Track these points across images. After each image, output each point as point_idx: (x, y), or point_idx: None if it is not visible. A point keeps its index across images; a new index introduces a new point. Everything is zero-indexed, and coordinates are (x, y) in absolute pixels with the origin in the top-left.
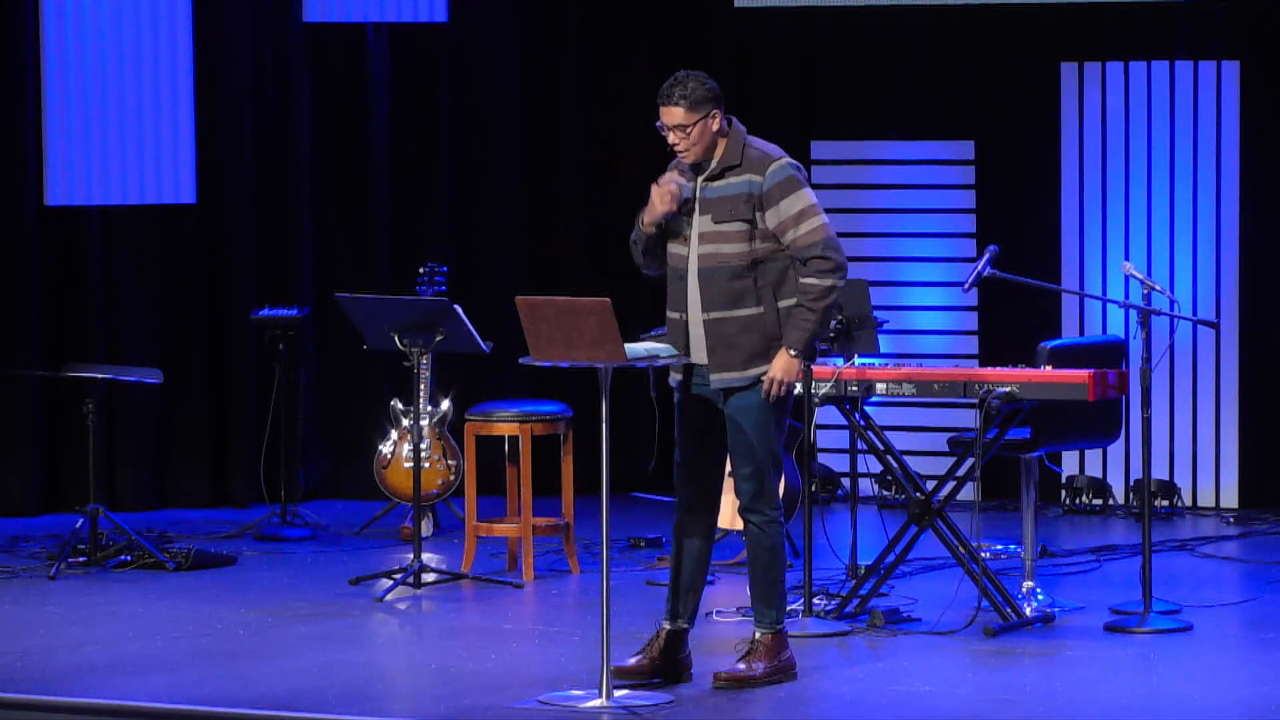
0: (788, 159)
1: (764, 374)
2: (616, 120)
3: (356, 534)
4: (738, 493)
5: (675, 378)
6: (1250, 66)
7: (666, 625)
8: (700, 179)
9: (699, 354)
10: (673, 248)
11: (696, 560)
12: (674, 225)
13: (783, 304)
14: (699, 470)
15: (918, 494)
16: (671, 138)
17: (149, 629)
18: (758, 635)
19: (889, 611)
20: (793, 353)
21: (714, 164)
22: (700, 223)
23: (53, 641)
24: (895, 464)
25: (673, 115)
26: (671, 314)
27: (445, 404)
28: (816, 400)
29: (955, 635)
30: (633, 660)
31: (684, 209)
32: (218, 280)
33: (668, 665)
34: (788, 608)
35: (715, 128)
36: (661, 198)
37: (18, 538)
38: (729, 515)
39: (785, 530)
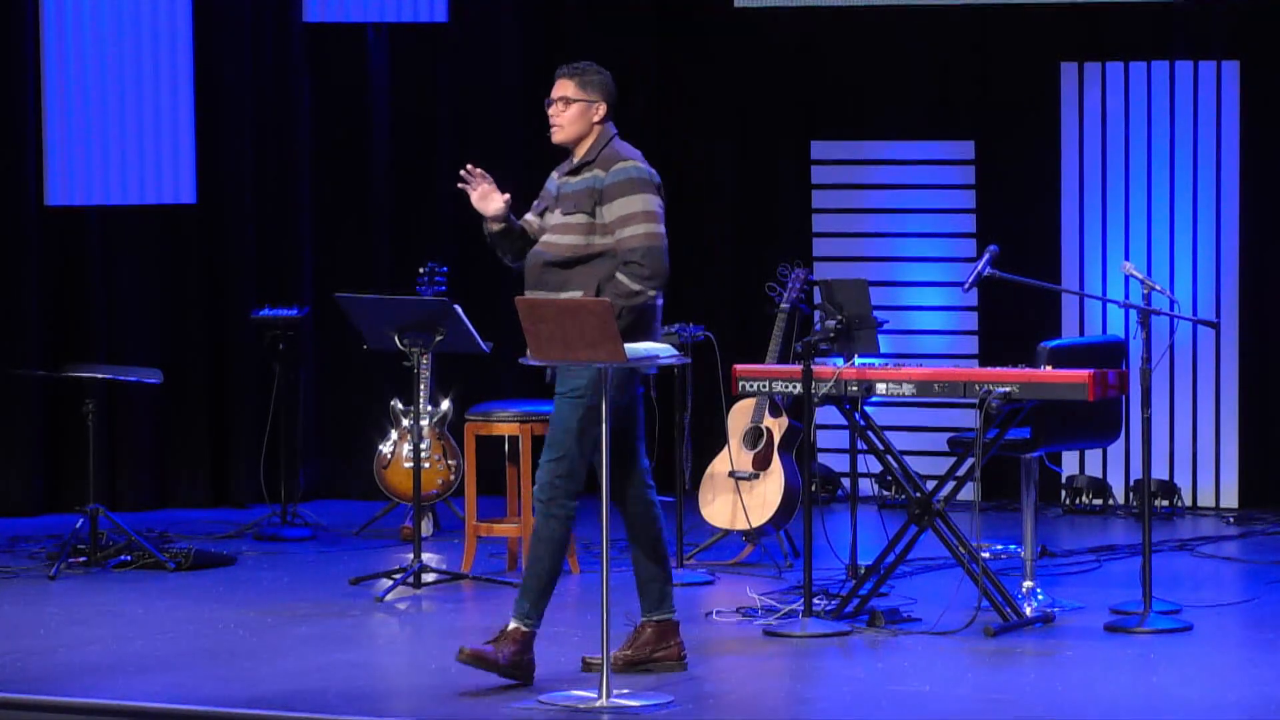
0: (641, 164)
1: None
2: (616, 120)
3: (356, 534)
4: (535, 479)
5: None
6: (1250, 66)
7: (525, 627)
8: (564, 174)
9: None
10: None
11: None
12: (543, 220)
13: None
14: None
15: (918, 494)
16: (551, 110)
17: (149, 629)
18: (510, 625)
19: (889, 611)
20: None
21: (577, 160)
22: (554, 215)
23: (53, 641)
24: (895, 464)
25: (562, 87)
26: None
27: (445, 404)
28: (816, 400)
29: (955, 635)
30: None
31: (549, 204)
32: (218, 280)
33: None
34: (786, 608)
35: (595, 118)
36: (482, 199)
37: (18, 538)
38: (729, 515)
39: (785, 530)
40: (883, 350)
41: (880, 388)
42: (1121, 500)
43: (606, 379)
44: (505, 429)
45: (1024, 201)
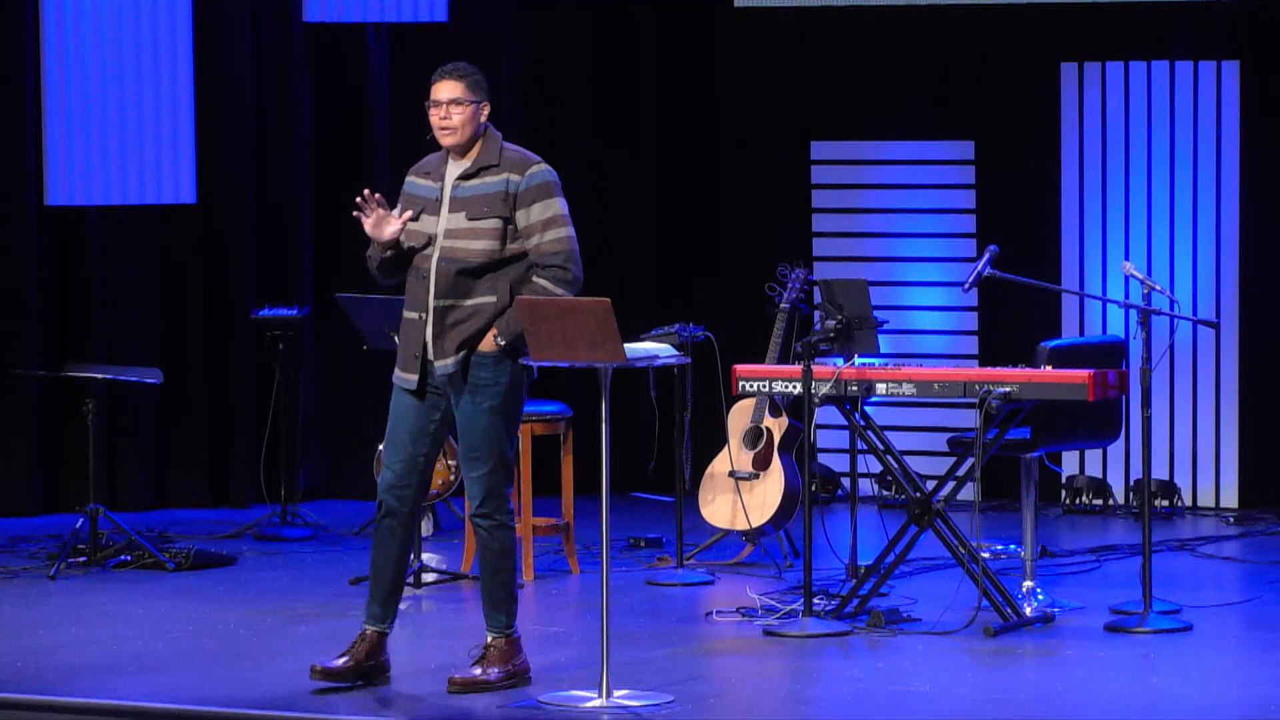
0: (547, 165)
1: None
2: (617, 120)
3: (356, 534)
4: (469, 495)
5: (404, 378)
6: (1250, 66)
7: (372, 628)
8: (454, 178)
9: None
10: (417, 247)
11: (400, 563)
12: (416, 226)
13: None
14: (409, 472)
15: (918, 494)
16: (440, 112)
17: (149, 629)
18: (490, 640)
19: (889, 611)
20: (500, 341)
21: (470, 163)
22: (450, 220)
23: (53, 641)
24: (895, 464)
25: (450, 89)
26: (409, 313)
27: None
28: (816, 400)
29: (955, 635)
30: (339, 662)
31: (427, 209)
32: (218, 280)
33: (373, 668)
34: (786, 608)
35: (483, 118)
36: (375, 226)
37: (18, 538)
38: (729, 515)
39: (785, 530)
40: (883, 350)
41: (880, 388)
42: (1121, 500)
43: (606, 379)
44: None
45: (1024, 201)
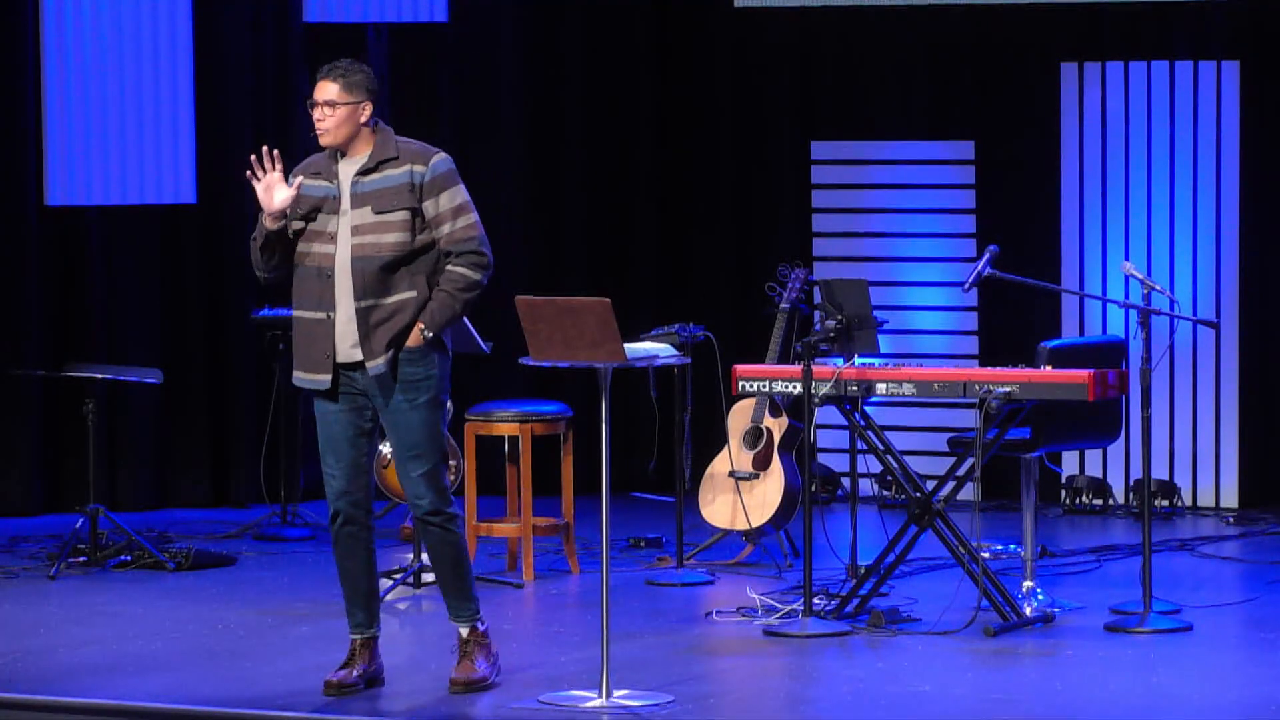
0: (445, 154)
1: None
2: (617, 120)
3: None
4: (410, 498)
5: (311, 379)
6: (1250, 66)
7: (363, 636)
8: (353, 174)
9: (347, 350)
10: (316, 247)
11: (371, 565)
12: (314, 225)
13: (436, 292)
14: (356, 475)
15: (918, 494)
16: (316, 113)
17: (149, 629)
18: (465, 633)
19: (889, 611)
20: (428, 333)
21: (367, 159)
22: (355, 215)
23: (53, 641)
24: (895, 464)
25: (325, 90)
26: (309, 314)
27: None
28: (816, 400)
29: (955, 635)
30: (345, 674)
31: (324, 208)
32: (218, 280)
33: (376, 672)
34: (786, 608)
35: (363, 119)
36: (266, 191)
37: (18, 538)
38: (729, 515)
39: (785, 530)
40: (883, 350)
41: (880, 388)
42: (1121, 500)
43: (606, 379)
44: (505, 429)
45: (1024, 201)
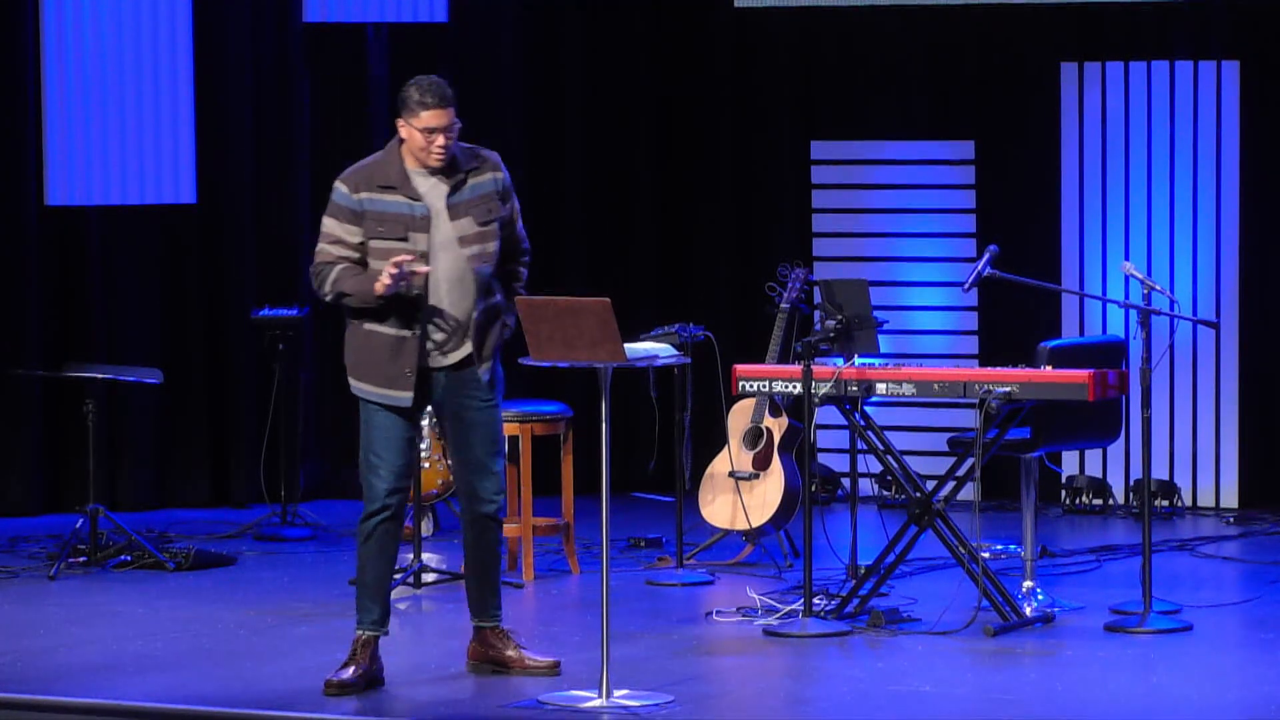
0: None
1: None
2: (616, 120)
3: (356, 534)
4: (488, 494)
5: (390, 395)
6: (1250, 66)
7: (375, 633)
8: (444, 187)
9: (438, 358)
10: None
11: (394, 563)
12: (393, 244)
13: (508, 292)
14: (408, 475)
15: (918, 494)
16: (440, 141)
17: (149, 629)
18: (506, 629)
19: (889, 611)
20: (508, 334)
21: (453, 170)
22: (458, 227)
23: (53, 641)
24: (895, 464)
25: (447, 117)
26: (392, 330)
27: None
28: (816, 400)
29: (955, 635)
30: (349, 674)
31: (410, 225)
32: (218, 280)
33: (378, 671)
34: (786, 608)
35: None
36: (393, 274)
37: (18, 538)
38: (729, 515)
39: (785, 530)
40: (883, 350)
41: (880, 388)
42: (1121, 500)
43: (606, 379)
44: (505, 429)
45: (1024, 201)
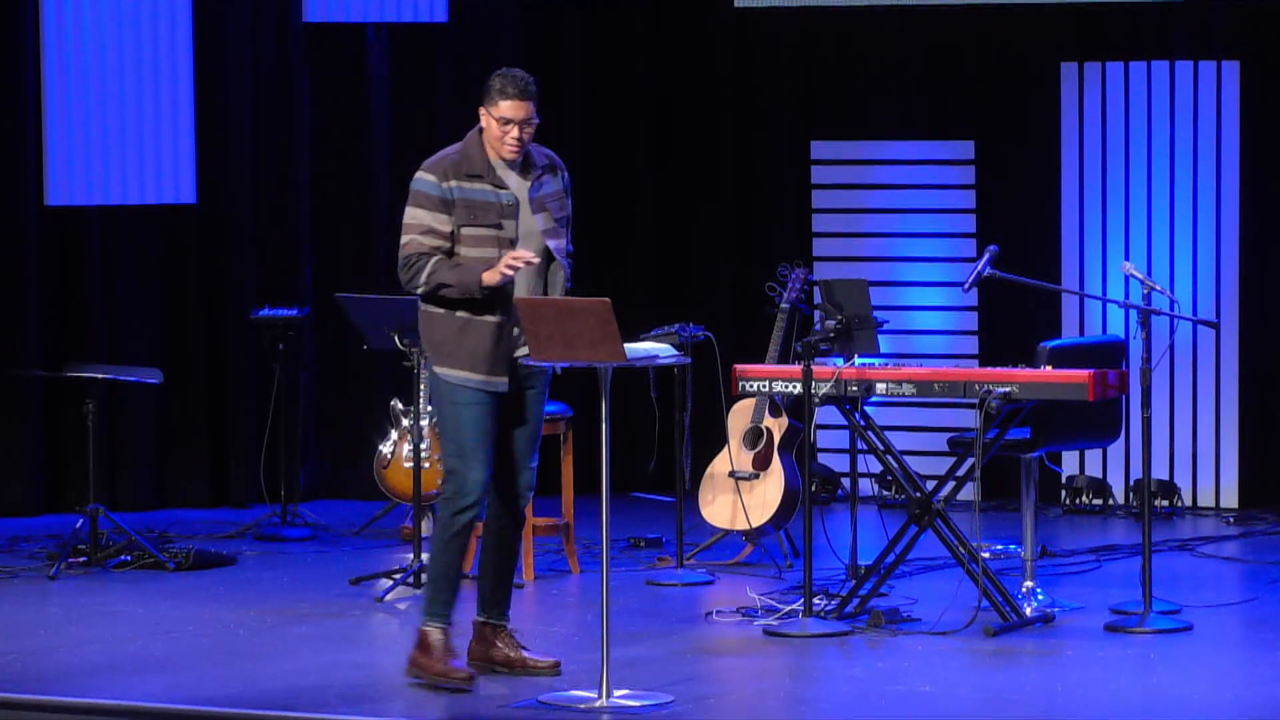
0: None
1: None
2: (616, 120)
3: (356, 534)
4: (523, 489)
5: (490, 381)
6: (1250, 66)
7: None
8: (525, 180)
9: (522, 348)
10: (494, 251)
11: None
12: (484, 231)
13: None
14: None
15: (918, 494)
16: (515, 132)
17: (149, 629)
18: (510, 628)
19: (889, 611)
20: None
21: (529, 165)
22: (539, 220)
23: (53, 641)
24: (895, 464)
25: (526, 109)
26: (490, 318)
27: None
28: (816, 400)
29: (955, 635)
30: (466, 660)
31: (500, 214)
32: (218, 280)
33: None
34: (786, 608)
35: None
36: (511, 265)
37: (18, 538)
38: (729, 515)
39: (785, 530)
40: (883, 350)
41: (880, 388)
42: (1121, 500)
43: (606, 379)
44: None
45: (1024, 201)
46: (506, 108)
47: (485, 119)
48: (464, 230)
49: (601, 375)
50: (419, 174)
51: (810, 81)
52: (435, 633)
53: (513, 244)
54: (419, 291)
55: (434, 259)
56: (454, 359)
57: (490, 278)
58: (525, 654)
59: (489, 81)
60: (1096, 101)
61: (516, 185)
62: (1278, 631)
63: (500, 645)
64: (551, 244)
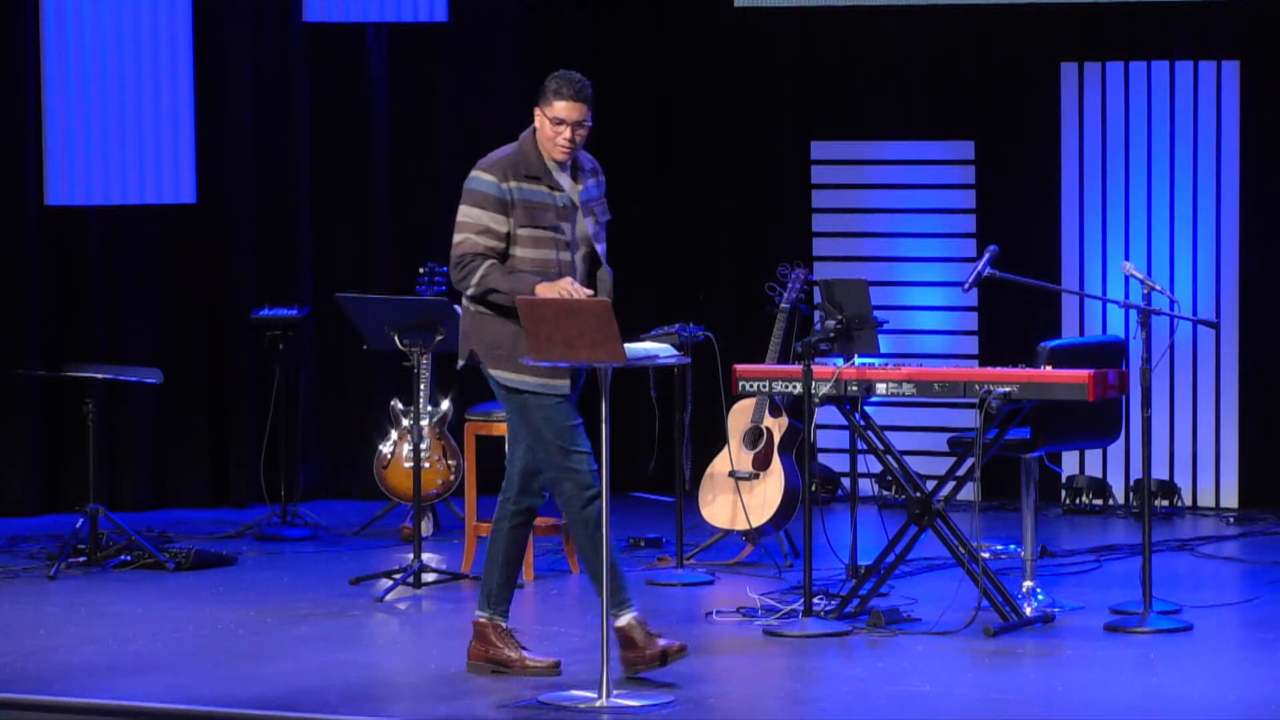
0: None
1: None
2: (616, 120)
3: (356, 534)
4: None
5: (562, 385)
6: (1250, 66)
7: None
8: (574, 183)
9: None
10: (552, 254)
11: None
12: (543, 232)
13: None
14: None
15: (918, 494)
16: (568, 134)
17: (149, 629)
18: (509, 627)
19: (889, 611)
20: None
21: (576, 168)
22: (590, 223)
23: (53, 641)
24: (895, 464)
25: (580, 111)
26: None
27: (445, 404)
28: (816, 400)
29: (955, 635)
30: (664, 642)
31: (558, 215)
32: (218, 280)
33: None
34: (786, 608)
35: None
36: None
37: (18, 538)
38: (729, 515)
39: (785, 530)
40: (883, 350)
41: (880, 388)
42: (1121, 500)
43: (606, 379)
44: (505, 429)
45: (1024, 201)
46: (561, 108)
47: (539, 118)
48: (521, 231)
49: (601, 375)
50: (476, 173)
51: (810, 81)
52: (631, 620)
53: (569, 246)
54: (469, 293)
55: (488, 262)
56: (512, 363)
57: (545, 290)
58: (525, 654)
59: (545, 81)
60: (1096, 101)
61: (569, 187)
62: (1278, 631)
63: (499, 644)
64: (601, 248)
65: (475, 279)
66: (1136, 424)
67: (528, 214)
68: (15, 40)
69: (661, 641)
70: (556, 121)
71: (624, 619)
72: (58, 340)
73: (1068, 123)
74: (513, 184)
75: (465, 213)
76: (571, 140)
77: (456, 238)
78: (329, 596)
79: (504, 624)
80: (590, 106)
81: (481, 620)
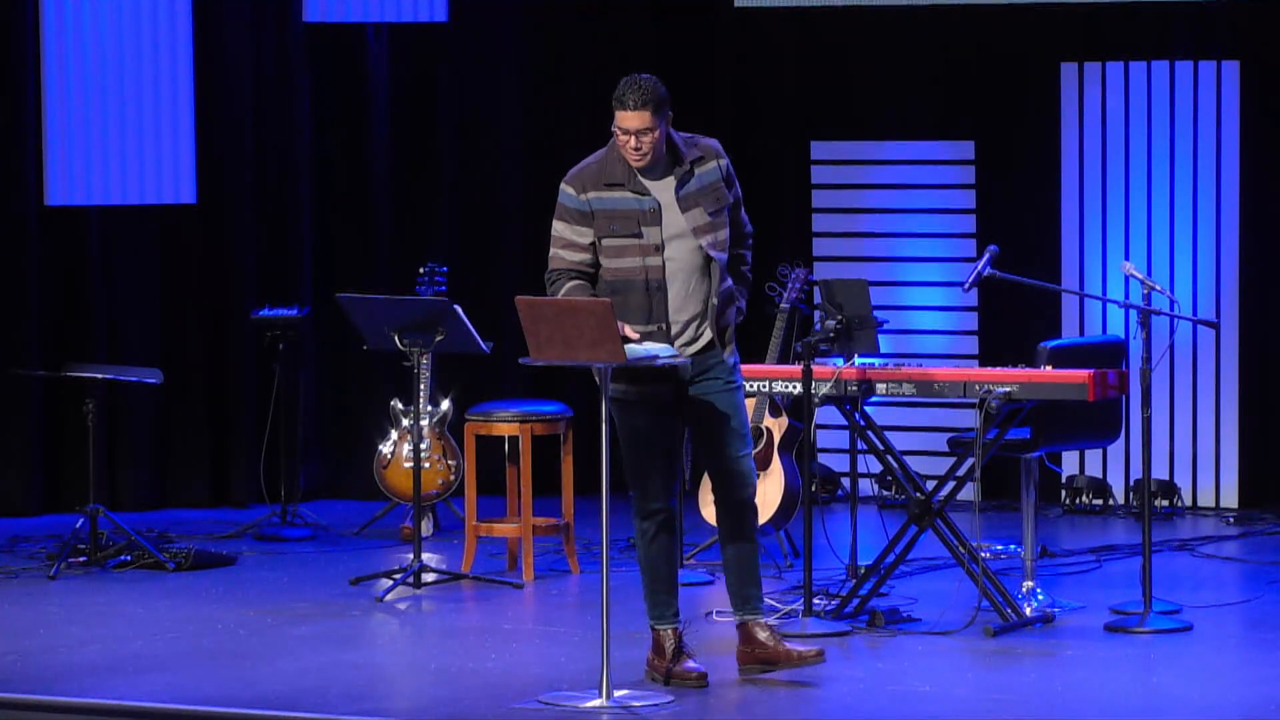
0: None
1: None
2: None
3: (356, 534)
4: (744, 479)
5: (663, 389)
6: (1250, 66)
7: (677, 624)
8: (672, 180)
9: (698, 344)
10: (639, 260)
11: None
12: (626, 240)
13: (737, 276)
14: (677, 473)
15: (918, 494)
16: (633, 142)
17: (149, 629)
18: (769, 622)
19: (889, 611)
20: (740, 318)
21: (678, 162)
22: (690, 218)
23: (53, 641)
24: (895, 464)
25: (640, 119)
26: (641, 328)
27: (445, 404)
28: (816, 400)
29: (955, 635)
30: (695, 661)
31: (641, 220)
32: (218, 280)
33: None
34: (786, 608)
35: (666, 130)
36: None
37: (18, 538)
38: None
39: (785, 530)
40: (883, 350)
41: (880, 388)
42: (1121, 500)
43: (606, 379)
44: (505, 429)
45: (1024, 202)
46: (620, 118)
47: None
48: (604, 241)
49: (601, 375)
50: (562, 185)
51: (810, 81)
52: (664, 632)
53: (657, 250)
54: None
55: (571, 282)
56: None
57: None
58: (789, 646)
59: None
60: (1096, 101)
61: (659, 188)
62: (1278, 631)
63: (765, 643)
64: (706, 240)
65: (559, 296)
66: (1136, 424)
67: (608, 223)
68: (15, 40)
69: (687, 664)
70: (622, 131)
71: (660, 628)
72: (58, 340)
73: (1068, 123)
74: (591, 194)
75: (554, 227)
76: (639, 148)
77: (550, 253)
78: (329, 596)
79: (754, 620)
80: (655, 111)
81: (745, 621)
